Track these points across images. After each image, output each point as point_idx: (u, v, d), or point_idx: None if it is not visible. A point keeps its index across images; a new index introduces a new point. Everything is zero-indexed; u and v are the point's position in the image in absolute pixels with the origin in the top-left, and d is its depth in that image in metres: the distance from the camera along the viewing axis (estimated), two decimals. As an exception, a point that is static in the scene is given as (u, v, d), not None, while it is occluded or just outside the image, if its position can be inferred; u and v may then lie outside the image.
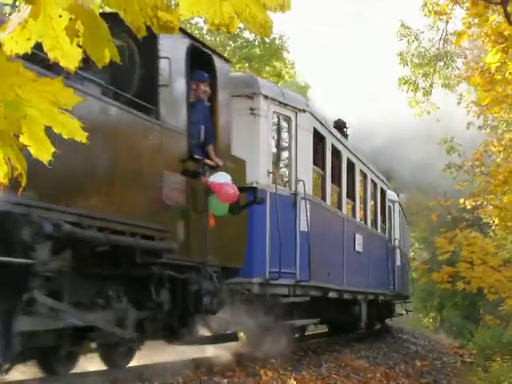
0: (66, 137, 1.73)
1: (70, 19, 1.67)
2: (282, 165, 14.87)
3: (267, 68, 33.90)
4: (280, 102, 14.62)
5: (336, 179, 17.49)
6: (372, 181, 22.24)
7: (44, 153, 1.74)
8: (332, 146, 16.73)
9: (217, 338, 11.47)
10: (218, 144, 10.69)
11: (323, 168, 16.05)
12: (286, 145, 14.47)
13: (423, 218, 37.82)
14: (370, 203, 21.76)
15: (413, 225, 44.08)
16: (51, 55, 1.75)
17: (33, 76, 1.65)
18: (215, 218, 10.10)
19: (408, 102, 21.30)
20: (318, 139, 15.66)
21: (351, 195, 19.18)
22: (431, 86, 20.68)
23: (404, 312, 32.16)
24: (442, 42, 20.25)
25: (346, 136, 20.13)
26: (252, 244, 12.05)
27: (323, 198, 16.02)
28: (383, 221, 24.20)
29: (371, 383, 12.45)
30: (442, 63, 20.59)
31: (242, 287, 12.11)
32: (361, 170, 20.48)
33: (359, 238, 19.17)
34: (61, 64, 1.77)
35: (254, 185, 12.27)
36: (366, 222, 21.10)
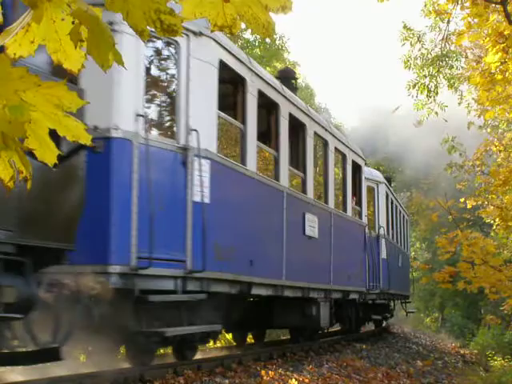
0: (70, 140, 1.75)
1: (73, 22, 1.68)
2: (162, 107, 10.95)
3: (268, 69, 33.92)
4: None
5: (270, 139, 13.71)
6: (337, 150, 17.60)
7: (49, 156, 1.75)
8: (260, 93, 12.51)
9: (27, 356, 7.51)
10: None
11: (242, 120, 11.94)
12: (170, 79, 10.74)
13: (424, 218, 37.85)
14: (332, 178, 16.89)
15: (414, 225, 44.14)
16: (54, 58, 1.76)
17: (37, 80, 1.65)
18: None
19: (414, 104, 21.27)
20: (231, 78, 11.86)
21: (298, 165, 15.10)
22: (437, 86, 20.67)
23: (405, 313, 31.21)
24: (443, 42, 20.25)
25: (294, 89, 16.16)
26: (109, 217, 8.93)
27: (242, 159, 11.89)
28: (358, 203, 19.93)
29: (372, 383, 12.45)
30: (444, 63, 20.58)
31: (89, 279, 8.35)
32: (317, 134, 15.89)
33: (312, 220, 14.98)
34: (64, 67, 1.78)
35: (112, 132, 9.03)
36: (326, 201, 16.49)
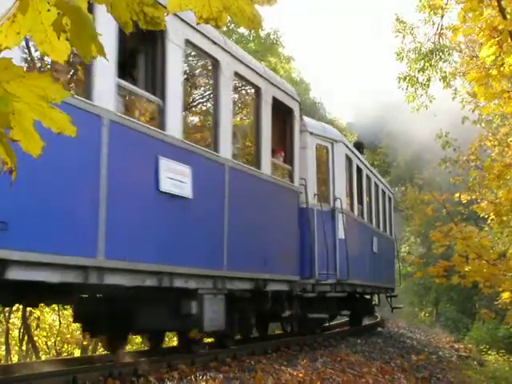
0: (55, 131, 1.75)
1: (58, 13, 1.68)
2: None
3: (262, 63, 33.91)
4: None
5: None
6: (241, 78, 12.68)
7: (34, 147, 1.75)
8: None
9: None
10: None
11: None
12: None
13: (418, 212, 37.86)
14: (229, 116, 11.89)
15: (408, 219, 44.17)
16: (40, 49, 1.76)
17: (21, 71, 1.65)
18: None
19: (405, 97, 21.30)
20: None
21: (153, 88, 10.29)
22: (428, 80, 20.70)
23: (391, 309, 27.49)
24: (437, 36, 20.27)
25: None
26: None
27: None
28: (289, 161, 14.64)
29: (367, 378, 12.47)
30: (437, 58, 20.61)
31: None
32: (191, 44, 10.77)
33: (179, 172, 9.99)
34: (50, 58, 1.78)
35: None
36: (216, 149, 11.35)
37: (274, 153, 13.77)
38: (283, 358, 12.70)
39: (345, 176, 17.98)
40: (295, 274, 14.41)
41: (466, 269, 19.91)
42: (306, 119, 17.02)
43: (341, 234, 17.00)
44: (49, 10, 1.69)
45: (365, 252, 20.45)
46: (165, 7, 1.75)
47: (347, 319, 23.01)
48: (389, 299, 25.97)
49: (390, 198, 26.86)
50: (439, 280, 22.69)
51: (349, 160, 18.76)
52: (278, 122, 14.15)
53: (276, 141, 14.01)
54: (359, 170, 20.36)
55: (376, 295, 25.24)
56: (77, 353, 11.91)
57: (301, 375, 10.91)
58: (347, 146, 18.54)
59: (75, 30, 1.67)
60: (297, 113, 15.03)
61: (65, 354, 11.62)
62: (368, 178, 21.97)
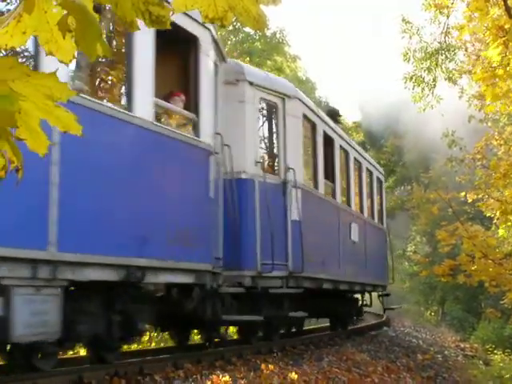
0: (61, 130, 1.75)
1: (64, 13, 1.69)
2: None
3: (268, 62, 33.93)
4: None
5: None
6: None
7: (40, 146, 1.76)
8: None
9: None
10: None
11: None
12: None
13: (424, 211, 37.83)
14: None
15: (414, 219, 44.17)
16: (46, 49, 1.77)
17: (27, 70, 1.66)
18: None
19: (412, 96, 21.29)
20: None
21: None
22: (435, 79, 20.70)
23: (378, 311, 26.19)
24: (443, 35, 20.26)
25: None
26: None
27: None
28: (193, 107, 10.74)
29: (372, 377, 12.47)
30: (443, 57, 20.60)
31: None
32: None
33: None
34: (56, 57, 1.79)
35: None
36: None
37: (170, 95, 10.90)
38: (289, 358, 12.70)
39: (302, 142, 14.41)
40: (205, 262, 10.37)
41: (472, 268, 19.89)
42: (246, 65, 14.09)
43: (294, 215, 13.41)
44: (55, 10, 1.70)
45: (336, 240, 16.49)
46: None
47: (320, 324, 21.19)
48: (381, 298, 22.88)
49: (380, 181, 23.29)
50: (445, 279, 22.66)
51: (310, 123, 15.25)
52: (175, 54, 11.40)
53: (176, 80, 11.53)
54: (329, 140, 16.56)
55: (368, 295, 21.72)
56: (83, 352, 11.89)
57: (306, 374, 10.92)
58: (306, 105, 14.92)
59: (80, 30, 1.68)
60: (206, 43, 11.11)
61: (70, 353, 11.62)
62: (345, 151, 18.29)
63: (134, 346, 13.55)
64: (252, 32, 32.68)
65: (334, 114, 18.57)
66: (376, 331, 22.59)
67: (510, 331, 30.40)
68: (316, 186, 15.15)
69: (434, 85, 20.67)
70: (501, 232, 24.18)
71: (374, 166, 22.38)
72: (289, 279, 13.22)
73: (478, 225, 26.54)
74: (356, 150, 19.77)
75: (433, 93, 20.74)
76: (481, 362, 22.99)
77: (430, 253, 43.31)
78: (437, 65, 20.53)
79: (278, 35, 35.11)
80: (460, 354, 22.52)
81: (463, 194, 23.88)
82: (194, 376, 9.38)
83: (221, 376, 9.35)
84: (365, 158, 21.08)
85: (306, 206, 13.78)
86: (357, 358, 14.37)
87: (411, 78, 20.77)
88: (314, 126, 15.44)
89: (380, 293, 22.57)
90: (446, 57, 20.66)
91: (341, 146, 17.73)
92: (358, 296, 21.36)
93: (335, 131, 17.23)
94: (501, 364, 23.04)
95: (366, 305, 21.71)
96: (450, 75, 21.05)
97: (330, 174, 16.58)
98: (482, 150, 23.62)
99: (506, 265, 19.48)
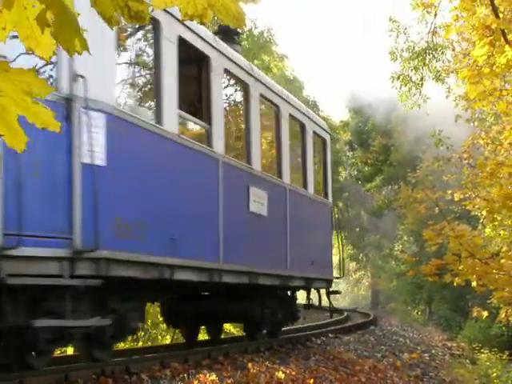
0: (39, 127, 1.75)
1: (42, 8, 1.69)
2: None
3: (255, 61, 33.96)
4: None
5: None
6: None
7: (18, 142, 1.76)
8: None
9: None
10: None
11: None
12: None
13: (411, 211, 37.89)
14: None
15: (401, 218, 44.26)
16: (26, 45, 1.77)
17: (5, 66, 1.66)
18: None
19: (399, 95, 21.36)
20: None
21: None
22: (422, 79, 20.77)
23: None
24: (430, 35, 20.32)
25: None
26: None
27: None
28: None
29: (359, 376, 12.49)
30: (431, 56, 20.66)
31: None
32: None
33: None
34: (36, 53, 1.78)
35: None
36: None
37: None
38: (276, 357, 12.71)
39: (115, 40, 9.14)
40: None
41: (459, 267, 19.93)
42: None
43: (90, 156, 8.31)
44: (34, 6, 1.70)
45: (212, 210, 11.37)
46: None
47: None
48: (330, 296, 17.29)
49: (323, 141, 17.46)
50: (432, 278, 22.72)
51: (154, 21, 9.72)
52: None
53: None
54: (198, 55, 11.39)
55: (312, 291, 16.87)
56: (70, 351, 11.87)
57: (293, 373, 10.93)
58: None
59: (59, 25, 1.67)
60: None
61: (58, 352, 11.61)
62: (240, 82, 13.14)
63: (121, 345, 13.54)
64: (239, 31, 32.73)
65: (227, 32, 13.74)
66: (363, 330, 22.62)
67: (496, 330, 30.52)
68: (159, 118, 9.86)
69: (422, 84, 20.74)
70: (487, 231, 24.25)
71: (310, 117, 16.43)
72: (76, 262, 8.20)
73: (464, 224, 26.63)
74: (269, 88, 14.11)
75: (420, 92, 20.81)
76: (468, 361, 23.05)
77: (417, 252, 43.40)
78: (424, 64, 20.60)
79: (265, 34, 35.17)
80: (447, 353, 22.57)
81: (449, 192, 23.94)
82: (181, 375, 9.38)
83: (208, 375, 9.36)
84: (291, 104, 15.22)
85: (124, 145, 8.93)
86: (344, 357, 14.40)
87: (398, 78, 20.83)
88: (156, 26, 9.88)
89: (323, 289, 17.27)
90: (434, 56, 20.73)
91: (228, 71, 12.42)
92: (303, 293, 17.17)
93: (215, 47, 11.67)
94: (487, 363, 23.11)
95: (309, 305, 16.65)
96: (438, 74, 21.13)
97: (201, 110, 11.72)
98: (468, 149, 23.69)
99: (493, 264, 19.53)
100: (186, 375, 9.40)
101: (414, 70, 20.79)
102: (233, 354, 12.03)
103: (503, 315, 23.62)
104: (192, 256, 10.49)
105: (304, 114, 16.06)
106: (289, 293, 16.13)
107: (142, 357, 10.54)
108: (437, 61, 21.23)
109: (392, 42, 21.70)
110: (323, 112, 49.01)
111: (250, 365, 10.89)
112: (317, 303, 18.35)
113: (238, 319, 16.07)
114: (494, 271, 19.24)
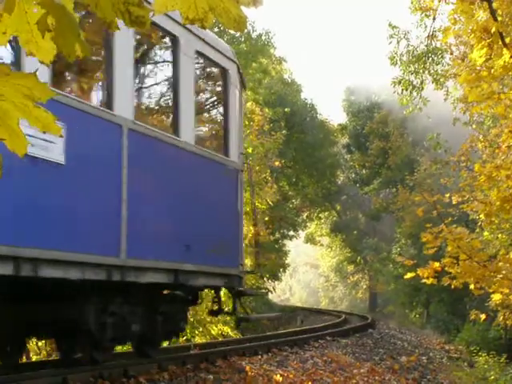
0: (41, 131, 1.75)
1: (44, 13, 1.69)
2: None
3: (254, 64, 33.97)
4: None
5: None
6: None
7: (19, 146, 1.76)
8: None
9: None
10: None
11: None
12: None
13: (409, 214, 37.92)
14: None
15: (399, 221, 44.28)
16: (26, 49, 1.77)
17: (6, 70, 1.66)
18: None
19: (399, 99, 21.38)
20: None
21: None
22: (422, 82, 20.80)
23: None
24: (429, 39, 20.35)
25: None
26: None
27: None
28: None
29: (357, 379, 12.49)
30: (430, 60, 20.68)
31: None
32: None
33: None
34: (36, 58, 1.78)
35: None
36: None
37: None
38: (273, 359, 12.70)
39: None
40: None
41: (457, 270, 19.92)
42: None
43: None
44: (35, 10, 1.70)
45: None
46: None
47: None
48: (238, 300, 12.22)
49: (222, 72, 11.92)
50: (429, 281, 22.72)
51: None
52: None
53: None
54: None
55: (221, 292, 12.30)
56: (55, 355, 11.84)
57: (291, 376, 10.93)
58: None
59: (60, 29, 1.67)
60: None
61: (55, 355, 11.60)
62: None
63: (119, 348, 13.53)
64: (237, 34, 32.72)
65: None
66: (360, 333, 22.61)
67: (494, 333, 30.49)
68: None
69: (422, 88, 20.77)
70: (486, 234, 24.23)
71: (191, 30, 10.48)
72: None
73: (462, 227, 26.64)
74: None
75: (420, 96, 20.83)
76: (465, 363, 23.05)
77: (414, 255, 43.39)
78: (424, 68, 20.63)
79: (263, 37, 35.17)
80: (445, 356, 22.58)
81: (447, 195, 23.95)
82: (179, 378, 9.37)
83: (205, 378, 9.36)
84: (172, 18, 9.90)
85: None
86: (341, 360, 14.40)
87: (399, 82, 20.85)
88: None
89: (226, 288, 12.17)
90: (433, 60, 20.75)
91: None
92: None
93: None
94: (485, 366, 23.09)
95: (221, 311, 11.97)
96: (437, 78, 21.15)
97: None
98: (466, 152, 23.70)
99: (491, 267, 19.52)
100: (183, 378, 9.40)
101: (414, 74, 20.81)
102: (230, 356, 12.01)
103: (501, 318, 23.63)
104: None
105: (176, 21, 9.91)
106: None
107: (139, 360, 10.52)
108: (436, 64, 21.25)
109: (392, 48, 21.74)
110: (321, 115, 49.03)
111: (247, 368, 10.88)
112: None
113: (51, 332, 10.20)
114: (492, 274, 19.25)
